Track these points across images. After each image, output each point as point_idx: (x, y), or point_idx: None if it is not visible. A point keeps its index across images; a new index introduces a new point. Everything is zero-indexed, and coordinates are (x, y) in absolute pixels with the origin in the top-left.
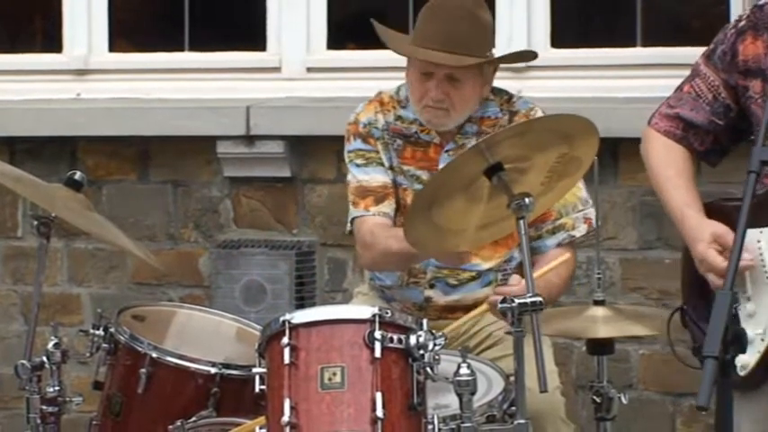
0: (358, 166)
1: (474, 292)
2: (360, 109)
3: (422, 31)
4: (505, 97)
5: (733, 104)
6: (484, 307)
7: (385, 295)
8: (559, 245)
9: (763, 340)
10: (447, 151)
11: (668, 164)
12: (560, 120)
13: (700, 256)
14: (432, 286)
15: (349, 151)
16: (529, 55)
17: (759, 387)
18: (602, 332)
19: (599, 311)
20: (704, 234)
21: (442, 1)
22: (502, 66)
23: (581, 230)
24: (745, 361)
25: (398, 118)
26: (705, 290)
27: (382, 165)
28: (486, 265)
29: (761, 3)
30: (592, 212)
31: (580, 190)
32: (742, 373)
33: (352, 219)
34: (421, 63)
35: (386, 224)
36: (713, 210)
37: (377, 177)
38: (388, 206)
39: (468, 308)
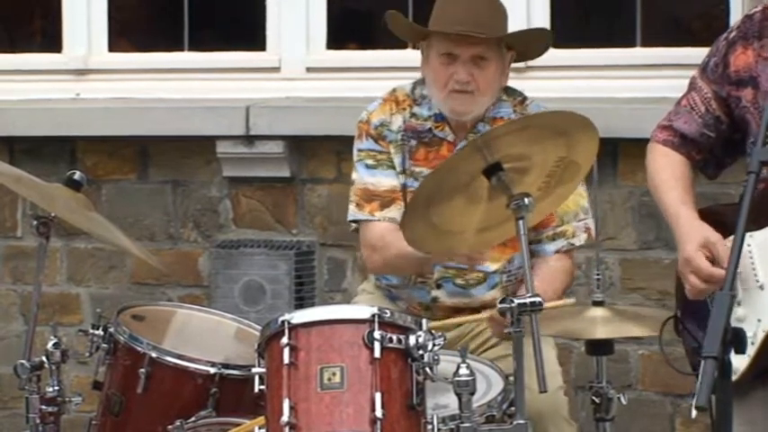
0: (367, 167)
1: (482, 294)
2: (373, 108)
3: (442, 16)
4: (519, 99)
5: (724, 116)
6: (484, 315)
7: (391, 294)
8: (558, 252)
9: (753, 344)
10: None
11: (665, 168)
12: (559, 116)
13: (687, 255)
14: (439, 286)
15: (359, 150)
16: (546, 34)
17: (750, 391)
18: (602, 333)
19: (598, 312)
20: (697, 236)
21: None
22: None
23: (581, 239)
24: (736, 366)
25: (413, 115)
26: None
27: (393, 168)
28: (493, 267)
29: (750, 12)
30: (592, 222)
31: (583, 199)
32: (733, 378)
33: (357, 221)
34: (445, 45)
35: (396, 228)
36: (706, 212)
37: (384, 181)
38: (395, 211)
39: (474, 310)
